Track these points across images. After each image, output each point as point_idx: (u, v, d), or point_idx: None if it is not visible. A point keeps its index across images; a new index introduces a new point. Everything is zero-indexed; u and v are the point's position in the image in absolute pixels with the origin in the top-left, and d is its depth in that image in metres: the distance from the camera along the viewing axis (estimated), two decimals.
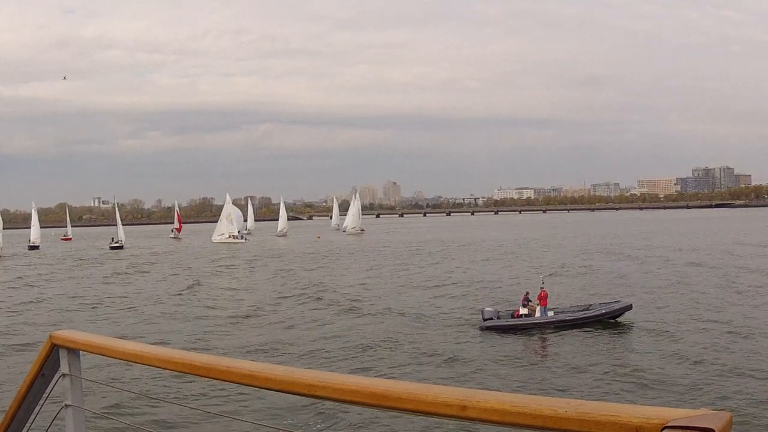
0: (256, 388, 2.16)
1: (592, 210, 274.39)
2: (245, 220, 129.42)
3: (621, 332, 24.28)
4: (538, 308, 25.81)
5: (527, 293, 26.77)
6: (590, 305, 26.71)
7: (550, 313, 25.75)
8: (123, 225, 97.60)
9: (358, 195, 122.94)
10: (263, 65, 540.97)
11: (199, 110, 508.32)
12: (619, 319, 25.59)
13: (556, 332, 24.47)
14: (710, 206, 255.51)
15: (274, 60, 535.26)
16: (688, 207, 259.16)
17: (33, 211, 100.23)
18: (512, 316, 25.87)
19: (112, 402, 15.27)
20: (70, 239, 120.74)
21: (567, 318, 25.52)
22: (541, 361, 21.31)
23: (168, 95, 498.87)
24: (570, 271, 44.52)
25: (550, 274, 29.85)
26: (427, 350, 22.18)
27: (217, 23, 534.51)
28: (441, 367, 20.14)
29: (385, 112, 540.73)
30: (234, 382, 2.16)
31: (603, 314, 25.41)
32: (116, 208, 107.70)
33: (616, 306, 26.01)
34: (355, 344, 23.10)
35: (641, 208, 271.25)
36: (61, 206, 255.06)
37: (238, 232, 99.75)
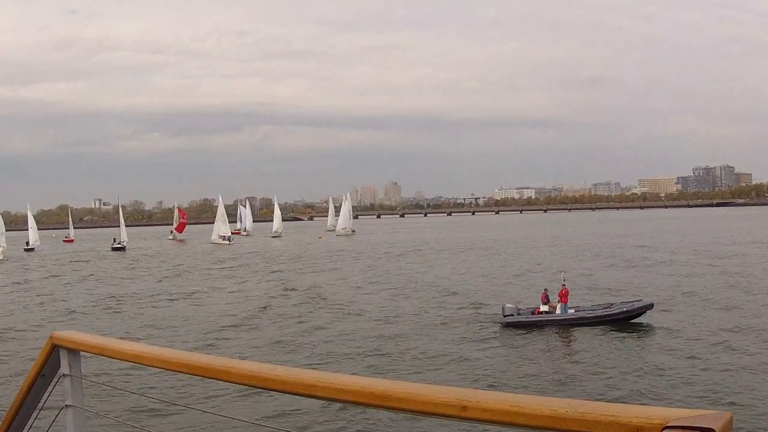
0: (257, 389, 2.16)
1: (593, 209, 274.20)
2: (237, 221, 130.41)
3: (642, 331, 24.13)
4: (558, 305, 25.70)
5: (546, 290, 26.66)
6: (611, 303, 26.53)
7: (571, 311, 25.62)
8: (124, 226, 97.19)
9: (348, 196, 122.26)
10: (265, 67, 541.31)
11: (201, 112, 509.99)
12: (640, 318, 25.43)
13: (576, 330, 24.39)
14: (711, 205, 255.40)
15: (276, 61, 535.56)
16: (688, 206, 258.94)
17: (28, 213, 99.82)
18: (532, 313, 25.80)
19: (112, 402, 15.27)
20: (72, 241, 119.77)
21: (588, 316, 25.39)
22: (562, 358, 21.23)
23: (169, 97, 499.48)
24: (587, 270, 44.29)
25: (563, 272, 29.70)
26: (447, 347, 22.18)
27: (220, 24, 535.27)
28: (461, 363, 20.12)
29: (386, 113, 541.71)
30: (234, 383, 2.16)
31: (624, 313, 25.20)
32: (120, 209, 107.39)
33: (638, 305, 25.78)
34: (372, 345, 22.97)
35: (642, 207, 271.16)
36: (62, 208, 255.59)
37: (229, 234, 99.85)
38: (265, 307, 31.99)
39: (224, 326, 27.40)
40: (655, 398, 16.03)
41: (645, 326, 24.78)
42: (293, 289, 38.65)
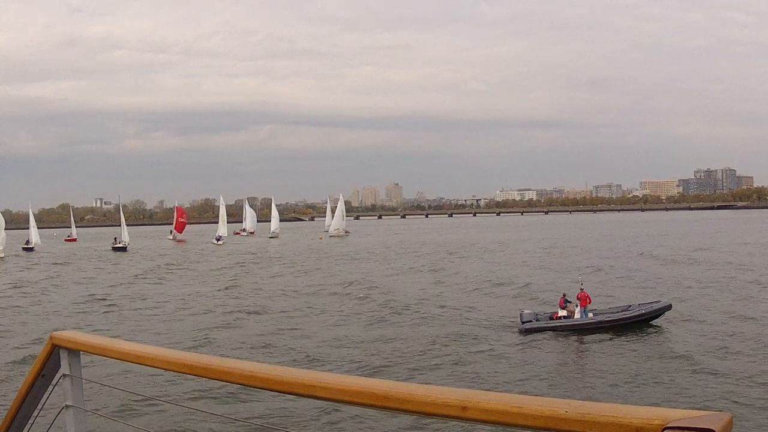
0: (257, 389, 2.16)
1: (594, 211, 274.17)
2: (243, 221, 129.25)
3: (660, 333, 23.99)
4: (577, 309, 25.53)
5: (564, 295, 26.53)
6: (629, 305, 26.35)
7: (590, 315, 25.44)
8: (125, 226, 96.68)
9: (341, 197, 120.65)
10: (268, 66, 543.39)
11: (204, 111, 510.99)
12: (658, 320, 25.31)
13: (595, 334, 24.18)
14: (712, 208, 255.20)
15: (280, 61, 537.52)
16: (690, 208, 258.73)
17: (30, 212, 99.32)
18: (551, 318, 25.62)
19: (112, 402, 15.25)
20: (75, 240, 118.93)
21: (606, 319, 25.17)
22: (580, 364, 21.08)
23: (172, 95, 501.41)
24: (602, 272, 44.08)
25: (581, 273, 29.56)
26: (466, 353, 21.97)
27: (224, 23, 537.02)
28: (480, 371, 19.97)
29: (388, 114, 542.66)
30: (234, 383, 2.16)
31: (642, 315, 25.03)
32: (120, 209, 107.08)
33: (656, 306, 25.61)
34: (386, 350, 22.74)
35: (643, 210, 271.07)
36: (64, 207, 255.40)
37: (222, 235, 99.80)
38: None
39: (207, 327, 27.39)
40: (669, 400, 16.00)
41: (664, 327, 24.62)
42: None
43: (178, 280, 47.01)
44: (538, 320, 25.48)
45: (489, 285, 39.44)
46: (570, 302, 26.01)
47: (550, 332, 24.67)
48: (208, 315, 30.70)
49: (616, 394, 16.85)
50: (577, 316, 25.44)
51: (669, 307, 25.58)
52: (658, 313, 25.36)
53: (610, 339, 23.53)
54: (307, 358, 21.46)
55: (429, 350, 22.85)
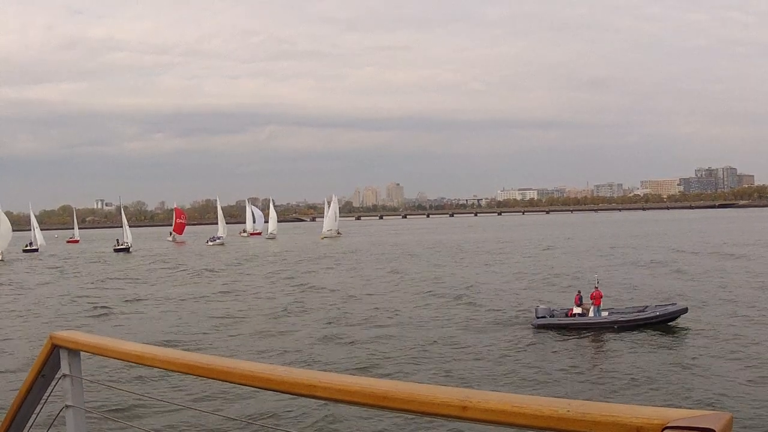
0: (257, 389, 2.16)
1: (596, 211, 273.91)
2: (254, 222, 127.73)
3: (675, 336, 23.84)
4: (591, 308, 25.52)
5: (579, 292, 26.49)
6: (645, 307, 26.25)
7: (605, 314, 25.41)
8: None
9: (335, 197, 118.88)
10: (269, 67, 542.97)
11: (205, 112, 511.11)
12: (674, 322, 25.12)
13: (609, 333, 24.19)
14: (713, 206, 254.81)
15: (281, 62, 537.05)
16: (691, 207, 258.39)
17: (31, 214, 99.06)
18: (566, 315, 25.65)
19: (112, 402, 15.26)
20: (77, 242, 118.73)
21: (621, 319, 25.10)
22: (593, 362, 21.04)
23: (173, 97, 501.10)
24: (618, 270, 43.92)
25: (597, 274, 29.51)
26: (478, 348, 22.12)
27: (225, 25, 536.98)
28: (493, 364, 20.11)
29: (389, 114, 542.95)
30: (234, 383, 2.16)
31: (658, 316, 24.92)
32: (121, 210, 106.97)
33: (672, 308, 25.49)
34: (405, 347, 22.80)
35: (644, 209, 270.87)
36: (65, 208, 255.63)
37: (215, 237, 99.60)
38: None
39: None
40: (672, 400, 15.99)
41: (679, 330, 24.43)
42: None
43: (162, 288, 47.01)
44: (552, 316, 25.59)
45: (498, 281, 39.60)
46: (584, 300, 26.01)
47: (563, 329, 24.74)
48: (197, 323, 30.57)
49: (621, 393, 16.82)
50: (591, 314, 25.43)
51: (685, 311, 25.38)
52: (674, 315, 25.19)
53: (623, 339, 23.45)
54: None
55: (439, 339, 23.15)
